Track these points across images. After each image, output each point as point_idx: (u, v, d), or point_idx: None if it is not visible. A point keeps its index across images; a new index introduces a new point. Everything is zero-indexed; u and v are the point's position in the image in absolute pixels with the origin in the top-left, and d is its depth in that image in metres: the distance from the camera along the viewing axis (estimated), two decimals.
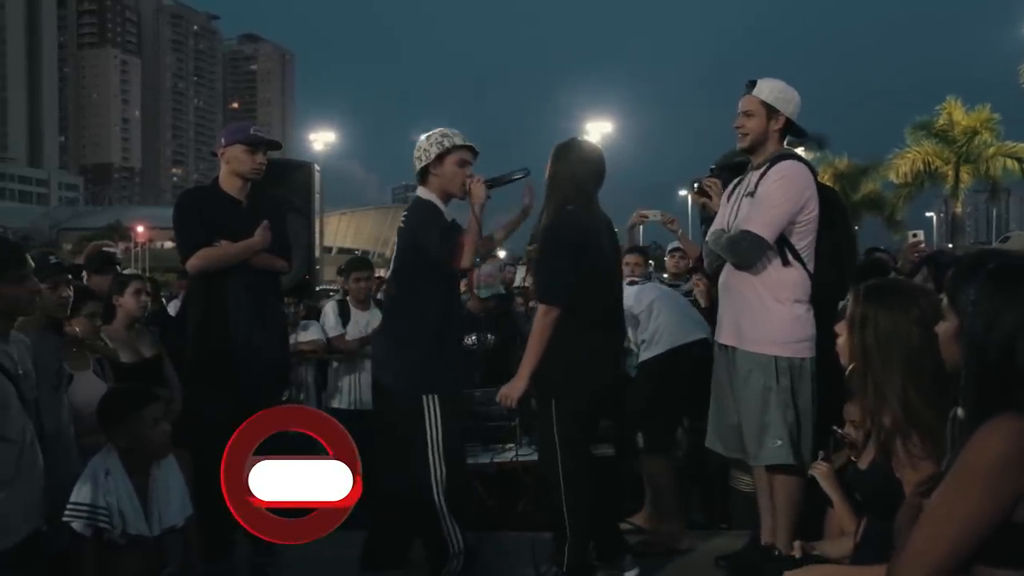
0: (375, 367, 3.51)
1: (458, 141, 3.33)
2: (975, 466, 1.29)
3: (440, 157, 3.30)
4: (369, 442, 3.47)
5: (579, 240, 3.18)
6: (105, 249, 4.85)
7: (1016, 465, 1.26)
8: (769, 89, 3.25)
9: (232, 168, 3.59)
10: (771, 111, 3.22)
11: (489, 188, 3.34)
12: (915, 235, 4.50)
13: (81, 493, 2.77)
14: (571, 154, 3.31)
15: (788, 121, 3.24)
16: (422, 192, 3.38)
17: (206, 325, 3.56)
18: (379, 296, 5.57)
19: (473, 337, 4.99)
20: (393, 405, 3.33)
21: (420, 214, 3.33)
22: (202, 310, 3.58)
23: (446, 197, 3.37)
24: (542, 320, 3.12)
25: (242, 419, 3.51)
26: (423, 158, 3.32)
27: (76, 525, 2.74)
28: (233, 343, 3.49)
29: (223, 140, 3.64)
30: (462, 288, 5.38)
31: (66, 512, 2.74)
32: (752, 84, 3.27)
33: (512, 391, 3.16)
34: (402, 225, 3.38)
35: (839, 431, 2.78)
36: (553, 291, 3.14)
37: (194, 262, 3.48)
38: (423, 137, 3.35)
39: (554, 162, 3.29)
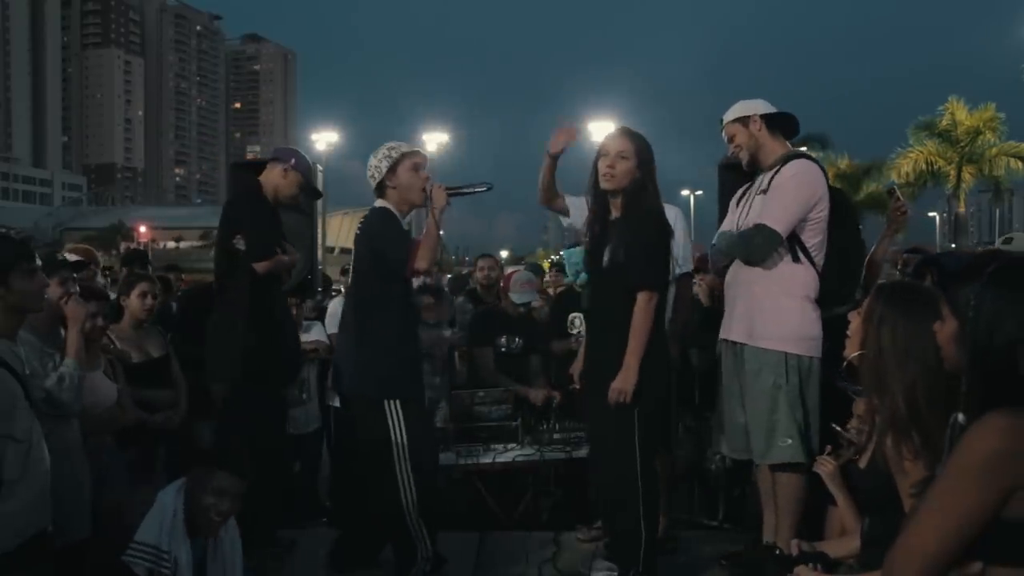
0: (336, 373, 3.53)
1: (405, 149, 3.41)
2: (965, 462, 1.30)
3: (392, 168, 3.35)
4: None
5: (663, 227, 3.23)
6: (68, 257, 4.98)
7: (1006, 461, 1.27)
8: (730, 112, 3.39)
9: (281, 187, 3.82)
10: (743, 121, 3.32)
11: (450, 196, 3.39)
12: (891, 191, 3.86)
13: (146, 532, 2.66)
14: (650, 152, 3.28)
15: (766, 118, 3.31)
16: (380, 203, 3.41)
17: (241, 327, 3.70)
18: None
19: (503, 339, 4.98)
20: (357, 410, 3.38)
21: (376, 221, 3.36)
22: (249, 313, 3.71)
23: (406, 206, 3.41)
24: (647, 308, 3.09)
25: (282, 408, 3.89)
26: (376, 175, 3.38)
27: (138, 569, 2.63)
28: (273, 341, 3.78)
29: (293, 161, 3.86)
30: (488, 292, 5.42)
31: (128, 552, 2.65)
32: (721, 122, 3.42)
33: (626, 384, 3.08)
34: (359, 232, 3.41)
35: (837, 428, 2.78)
36: (654, 277, 3.14)
37: (263, 267, 3.71)
38: (373, 154, 3.42)
39: (641, 158, 3.22)
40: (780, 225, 3.15)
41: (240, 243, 3.72)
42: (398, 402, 3.25)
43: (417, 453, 3.26)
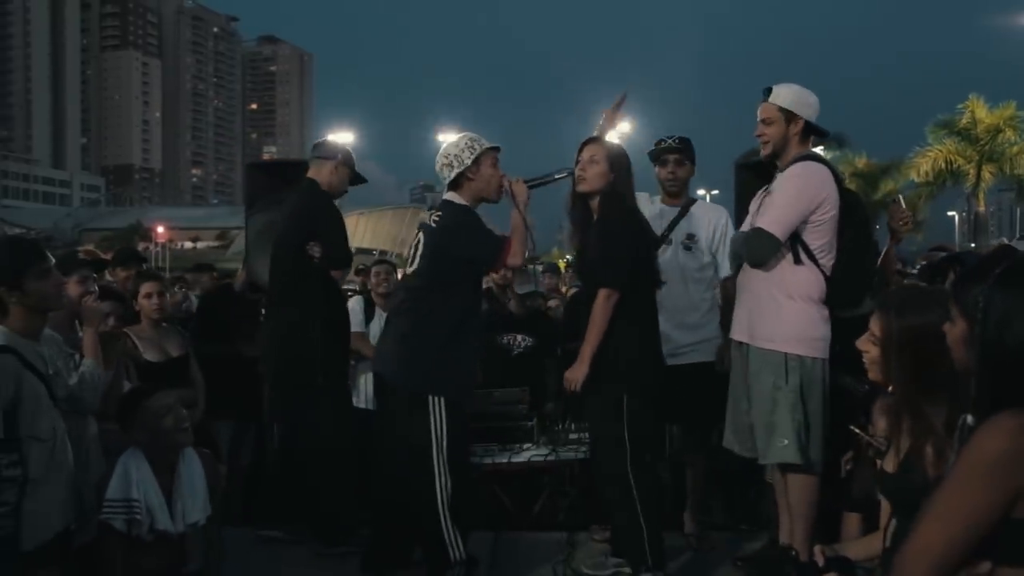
0: (379, 363, 3.42)
1: (487, 144, 3.31)
2: (974, 462, 1.29)
3: (476, 161, 3.27)
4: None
5: (636, 228, 3.26)
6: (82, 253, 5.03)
7: (1014, 461, 1.26)
8: (786, 95, 3.22)
9: (334, 184, 3.89)
10: (789, 116, 3.19)
11: (531, 188, 3.34)
12: (895, 200, 3.88)
13: (114, 489, 2.75)
14: (624, 158, 3.35)
15: (807, 124, 3.20)
16: (454, 197, 3.31)
17: (318, 330, 3.74)
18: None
19: (508, 337, 4.98)
20: (397, 403, 3.28)
21: (462, 219, 3.29)
22: (322, 317, 3.78)
23: (479, 201, 3.33)
24: (604, 304, 3.14)
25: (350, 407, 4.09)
26: (456, 164, 3.25)
27: (116, 522, 2.71)
28: (344, 341, 4.03)
29: (340, 156, 3.91)
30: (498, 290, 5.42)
31: (103, 511, 2.72)
32: (768, 91, 3.25)
33: (577, 374, 3.18)
34: (434, 225, 3.30)
35: (856, 431, 2.74)
36: (615, 275, 3.16)
37: (339, 274, 3.95)
38: (451, 143, 3.30)
39: (613, 162, 3.29)
40: (775, 228, 3.13)
41: (315, 250, 3.72)
42: (443, 399, 3.18)
43: (455, 453, 3.20)
